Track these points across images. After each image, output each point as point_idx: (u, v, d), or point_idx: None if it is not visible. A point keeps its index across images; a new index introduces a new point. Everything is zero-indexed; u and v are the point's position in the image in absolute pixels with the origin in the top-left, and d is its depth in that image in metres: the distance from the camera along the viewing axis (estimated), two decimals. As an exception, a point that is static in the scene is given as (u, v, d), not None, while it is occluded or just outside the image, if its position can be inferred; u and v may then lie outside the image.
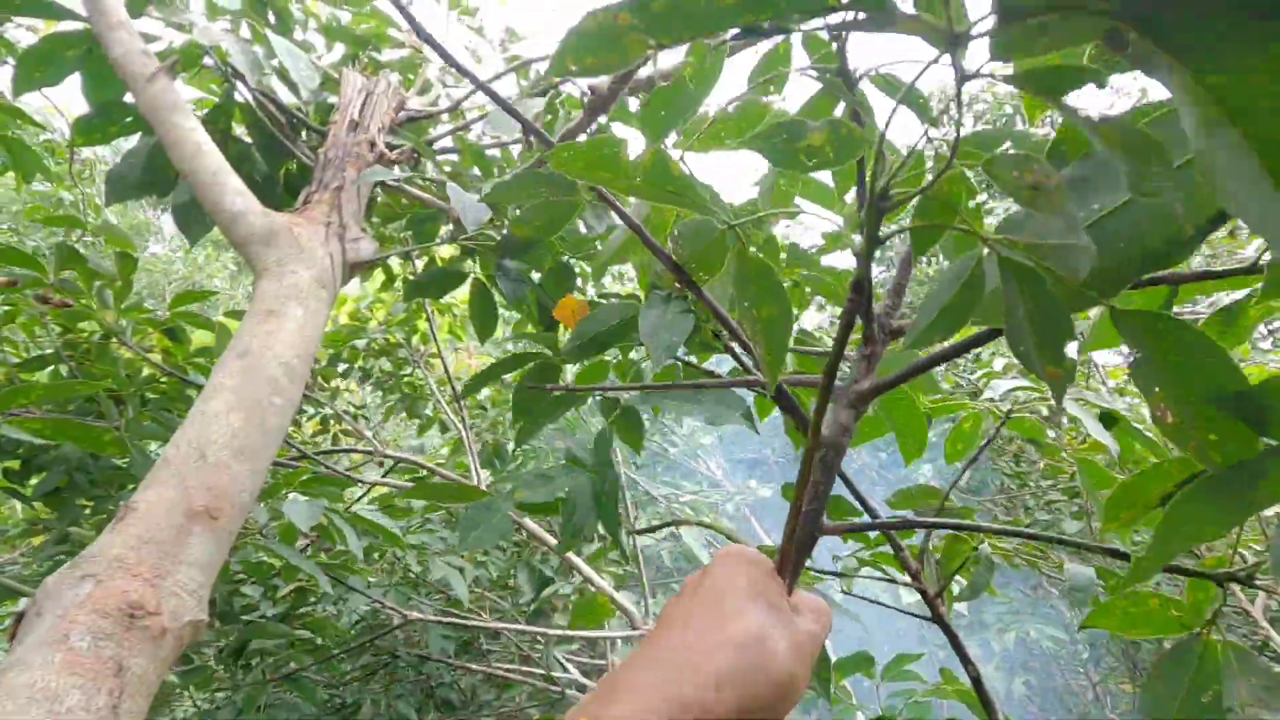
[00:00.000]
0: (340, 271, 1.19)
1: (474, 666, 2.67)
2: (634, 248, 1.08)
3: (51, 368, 1.86)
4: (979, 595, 1.13)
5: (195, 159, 1.17)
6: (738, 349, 1.08)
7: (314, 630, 2.44)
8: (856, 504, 1.13)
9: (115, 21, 1.36)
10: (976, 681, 1.06)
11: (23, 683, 0.63)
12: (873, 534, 1.29)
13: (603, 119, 1.31)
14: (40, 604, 0.70)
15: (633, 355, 1.32)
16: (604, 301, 1.30)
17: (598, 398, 1.18)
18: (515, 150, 1.93)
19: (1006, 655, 3.67)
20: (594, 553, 2.88)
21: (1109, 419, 1.03)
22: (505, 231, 1.33)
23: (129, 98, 1.44)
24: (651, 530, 2.40)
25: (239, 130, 1.72)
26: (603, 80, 1.11)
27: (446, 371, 3.00)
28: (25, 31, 1.94)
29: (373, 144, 1.40)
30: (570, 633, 2.74)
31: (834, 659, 1.45)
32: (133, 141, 1.67)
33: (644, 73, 1.26)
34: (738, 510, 3.52)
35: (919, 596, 1.11)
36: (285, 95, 1.73)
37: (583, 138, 1.34)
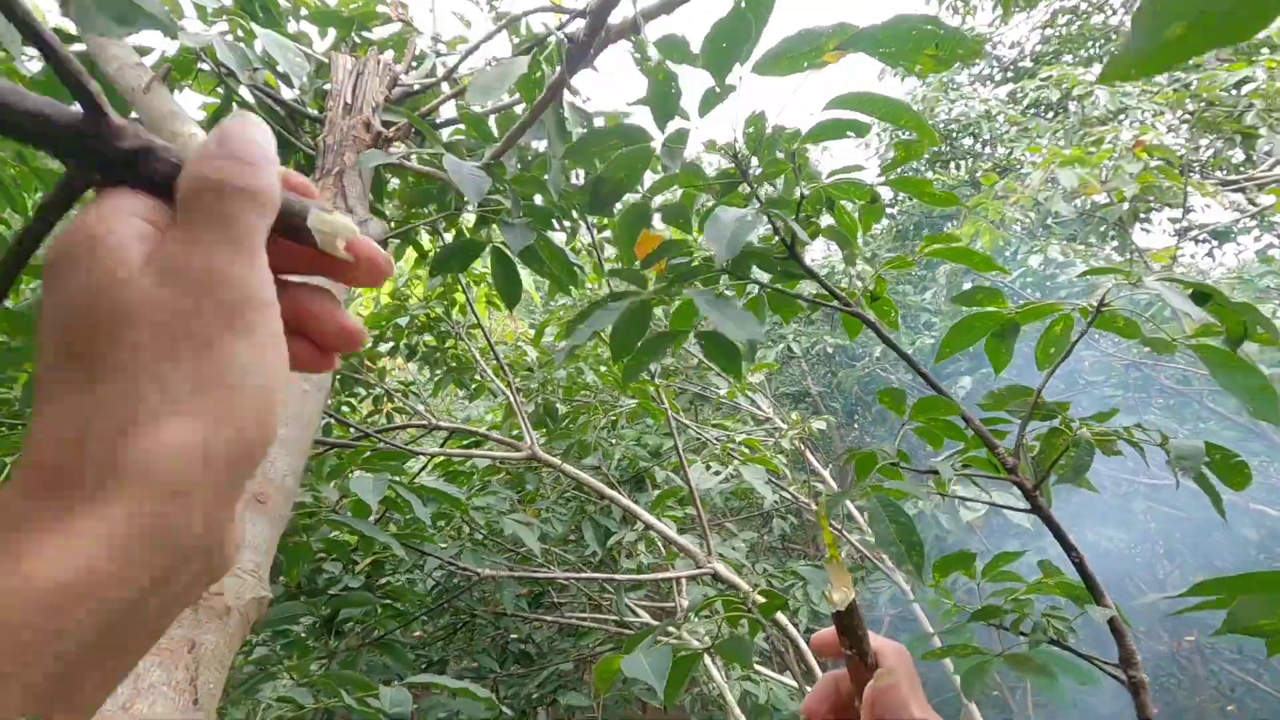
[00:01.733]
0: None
1: (547, 618, 2.79)
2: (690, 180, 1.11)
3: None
4: (1081, 476, 1.11)
5: (199, 164, 1.20)
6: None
7: (395, 597, 2.59)
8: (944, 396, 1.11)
9: (106, 39, 1.39)
10: (1080, 565, 1.05)
11: (109, 665, 0.69)
12: (969, 433, 1.25)
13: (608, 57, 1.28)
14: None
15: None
16: (681, 237, 1.31)
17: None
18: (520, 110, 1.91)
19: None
20: (654, 500, 2.94)
21: (1201, 296, 0.96)
22: (593, 190, 1.33)
23: (135, 114, 1.48)
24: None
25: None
26: (578, 29, 1.09)
27: (488, 339, 3.05)
28: (36, 62, 2.00)
29: (368, 125, 1.41)
30: (638, 577, 2.82)
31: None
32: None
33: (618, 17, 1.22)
34: (791, 445, 3.52)
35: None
36: (287, 91, 1.75)
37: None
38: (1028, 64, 7.99)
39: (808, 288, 1.28)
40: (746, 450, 2.63)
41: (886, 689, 0.44)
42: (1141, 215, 4.06)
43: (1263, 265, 4.79)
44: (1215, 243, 5.77)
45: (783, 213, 1.03)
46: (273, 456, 0.93)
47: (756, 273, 1.18)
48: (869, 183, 1.11)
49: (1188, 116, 4.94)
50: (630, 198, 1.37)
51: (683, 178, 1.15)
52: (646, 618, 3.34)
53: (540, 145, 1.80)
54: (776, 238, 1.09)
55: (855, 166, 1.10)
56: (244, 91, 1.68)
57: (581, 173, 1.94)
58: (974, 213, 3.80)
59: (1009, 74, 8.21)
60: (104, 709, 0.66)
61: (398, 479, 1.94)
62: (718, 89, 0.96)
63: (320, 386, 1.05)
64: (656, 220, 1.37)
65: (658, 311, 1.25)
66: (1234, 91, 4.54)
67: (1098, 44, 7.34)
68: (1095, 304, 0.99)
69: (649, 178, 1.46)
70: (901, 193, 1.31)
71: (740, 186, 1.08)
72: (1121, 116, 4.91)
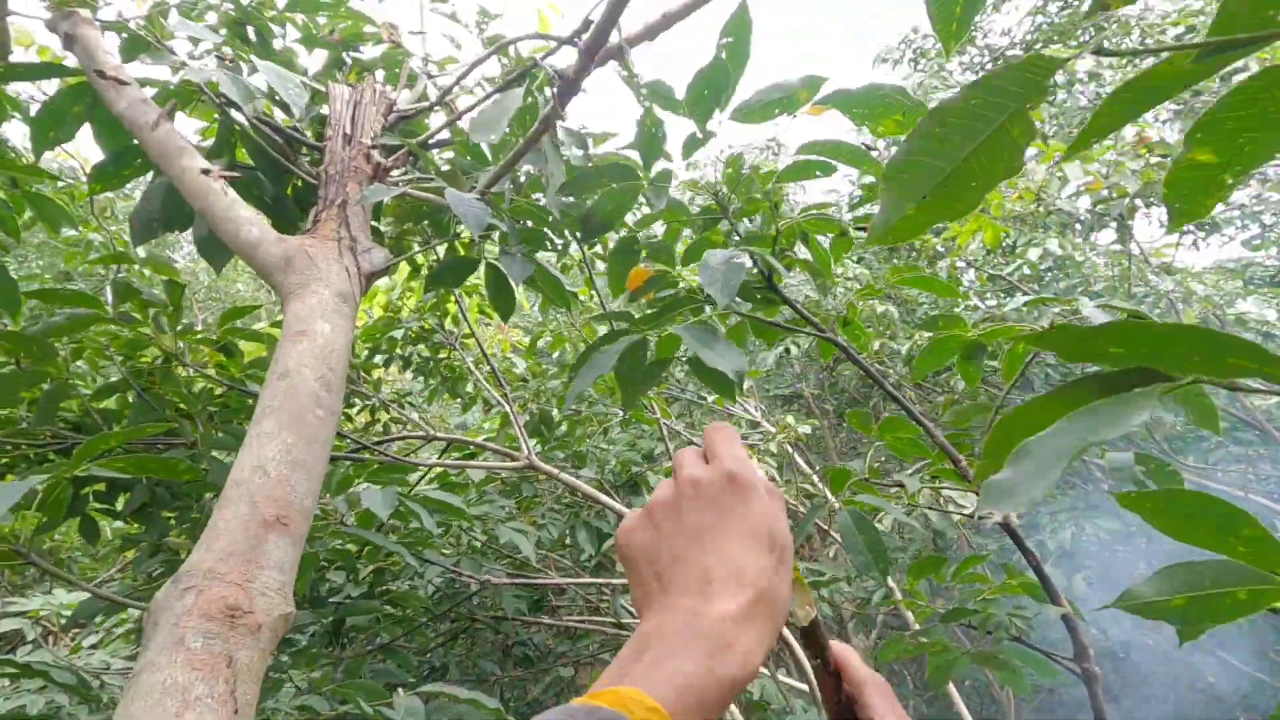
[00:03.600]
0: (357, 283, 1.28)
1: (546, 621, 2.85)
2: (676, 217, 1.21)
3: (118, 394, 2.03)
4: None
5: (208, 198, 1.26)
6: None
7: (398, 604, 2.64)
8: (912, 420, 1.19)
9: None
10: (1038, 569, 1.14)
11: (156, 681, 0.75)
12: (934, 449, 1.35)
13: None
14: (155, 615, 0.83)
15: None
16: (668, 270, 1.42)
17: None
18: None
19: (1064, 553, 3.73)
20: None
21: (1136, 318, 1.06)
22: (586, 219, 1.45)
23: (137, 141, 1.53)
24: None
25: (244, 155, 1.80)
26: (570, 65, 1.15)
27: (482, 350, 3.10)
28: (38, 89, 2.04)
29: (368, 155, 1.46)
30: (624, 579, 2.89)
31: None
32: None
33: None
34: (780, 448, 3.60)
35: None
36: (280, 115, 1.80)
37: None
38: (1018, 52, 8.11)
39: (787, 313, 1.38)
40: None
41: None
42: (1143, 210, 4.16)
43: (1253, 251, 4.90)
44: (1202, 234, 5.92)
45: (761, 250, 1.12)
46: (293, 480, 0.99)
47: (738, 301, 1.25)
48: (838, 218, 1.20)
49: (1179, 106, 5.06)
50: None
51: (667, 214, 1.23)
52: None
53: (531, 167, 1.86)
54: (755, 269, 1.17)
55: (826, 204, 1.20)
56: (240, 118, 1.73)
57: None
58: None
59: (999, 62, 8.33)
60: (153, 718, 0.72)
61: (403, 491, 2.00)
62: (699, 134, 1.05)
63: (333, 412, 1.11)
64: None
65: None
66: (1223, 82, 4.67)
67: (1088, 32, 7.45)
68: (1044, 327, 1.07)
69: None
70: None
71: (720, 223, 1.16)
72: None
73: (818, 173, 1.09)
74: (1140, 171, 3.72)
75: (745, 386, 4.34)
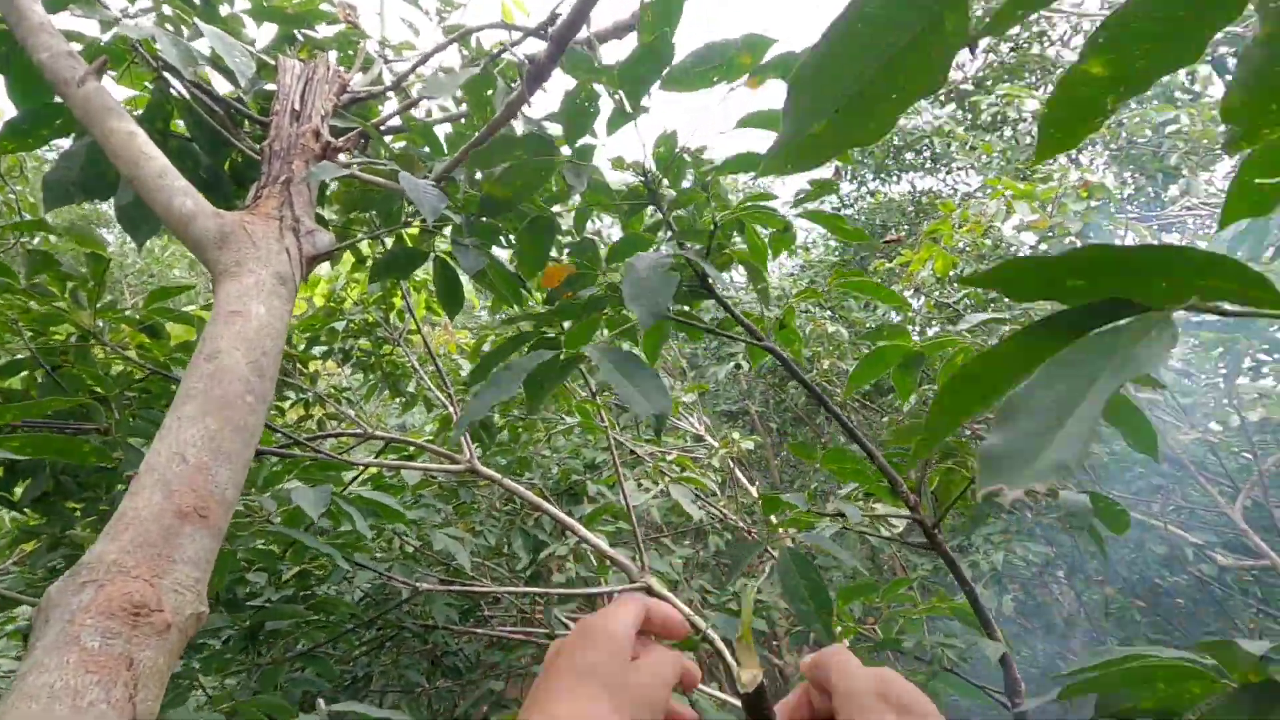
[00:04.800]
0: (298, 266, 1.21)
1: (477, 630, 2.77)
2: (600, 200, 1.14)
3: (25, 373, 1.87)
4: (981, 525, 1.21)
5: (138, 164, 1.17)
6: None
7: (322, 609, 2.51)
8: (855, 448, 1.17)
9: (36, 24, 1.33)
10: (972, 597, 1.13)
11: (43, 683, 0.67)
12: (871, 470, 1.33)
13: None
14: (47, 611, 0.75)
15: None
16: (589, 268, 1.35)
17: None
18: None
19: (995, 575, 3.86)
20: (589, 514, 2.97)
21: None
22: (483, 195, 1.33)
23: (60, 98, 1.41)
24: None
25: (179, 125, 1.69)
26: (541, 50, 1.12)
27: (428, 347, 3.01)
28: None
29: (317, 134, 1.39)
30: (571, 590, 2.83)
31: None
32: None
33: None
34: (722, 463, 3.61)
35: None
36: (222, 86, 1.70)
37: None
38: (969, 87, 8.43)
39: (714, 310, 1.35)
40: (677, 468, 2.68)
41: None
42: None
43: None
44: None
45: (695, 250, 1.07)
46: (215, 469, 0.92)
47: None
48: (781, 213, 1.17)
49: (1116, 151, 5.36)
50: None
51: (589, 195, 1.18)
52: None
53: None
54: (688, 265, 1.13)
55: (768, 195, 1.17)
56: (178, 84, 1.62)
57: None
58: (927, 237, 4.02)
59: (951, 95, 8.65)
60: (39, 729, 0.64)
61: (336, 491, 1.90)
62: (629, 109, 0.97)
63: (264, 399, 1.04)
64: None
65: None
66: (1157, 132, 4.97)
67: (1035, 74, 7.80)
68: (991, 343, 1.10)
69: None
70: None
71: (649, 209, 1.11)
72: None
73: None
74: (1082, 214, 3.92)
75: (690, 400, 4.35)
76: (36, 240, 1.84)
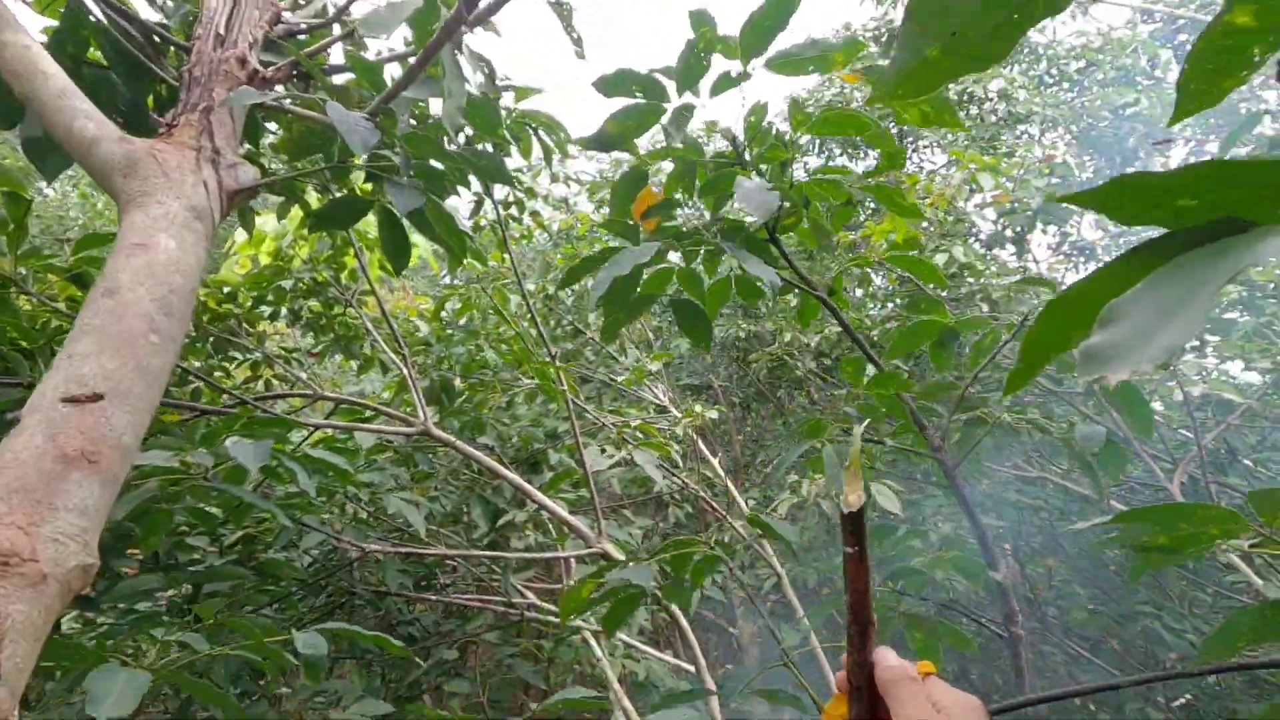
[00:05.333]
0: (217, 200, 1.12)
1: (431, 597, 2.72)
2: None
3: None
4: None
5: (34, 81, 1.06)
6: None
7: (268, 572, 2.43)
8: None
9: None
10: (980, 532, 1.29)
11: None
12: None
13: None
14: (-101, 560, 0.67)
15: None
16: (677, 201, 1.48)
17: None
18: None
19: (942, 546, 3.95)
20: (549, 480, 2.92)
21: None
22: (601, 128, 1.45)
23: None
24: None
25: (96, 56, 1.56)
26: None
27: (382, 308, 2.90)
28: None
29: (243, 60, 1.29)
30: (527, 555, 2.80)
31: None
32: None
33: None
34: (685, 433, 3.58)
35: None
36: (146, 11, 1.57)
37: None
38: None
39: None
40: (641, 435, 2.65)
41: (895, 680, 0.48)
42: (1043, 228, 4.41)
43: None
44: (1082, 259, 6.40)
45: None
46: (110, 411, 0.84)
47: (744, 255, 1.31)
48: (847, 187, 1.27)
49: (1078, 134, 5.40)
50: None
51: (684, 150, 1.32)
52: (533, 598, 3.32)
53: (436, 107, 1.72)
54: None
55: (841, 169, 1.27)
56: (93, 8, 1.49)
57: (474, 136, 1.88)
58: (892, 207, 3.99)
59: None
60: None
61: (280, 448, 1.82)
62: (735, 74, 1.14)
63: (171, 338, 0.96)
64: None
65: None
66: (1117, 114, 5.00)
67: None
68: (1020, 319, 1.15)
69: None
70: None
71: (736, 168, 1.29)
72: (1026, 123, 5.29)
73: (852, 132, 1.18)
74: (1044, 191, 3.93)
75: (655, 369, 4.31)
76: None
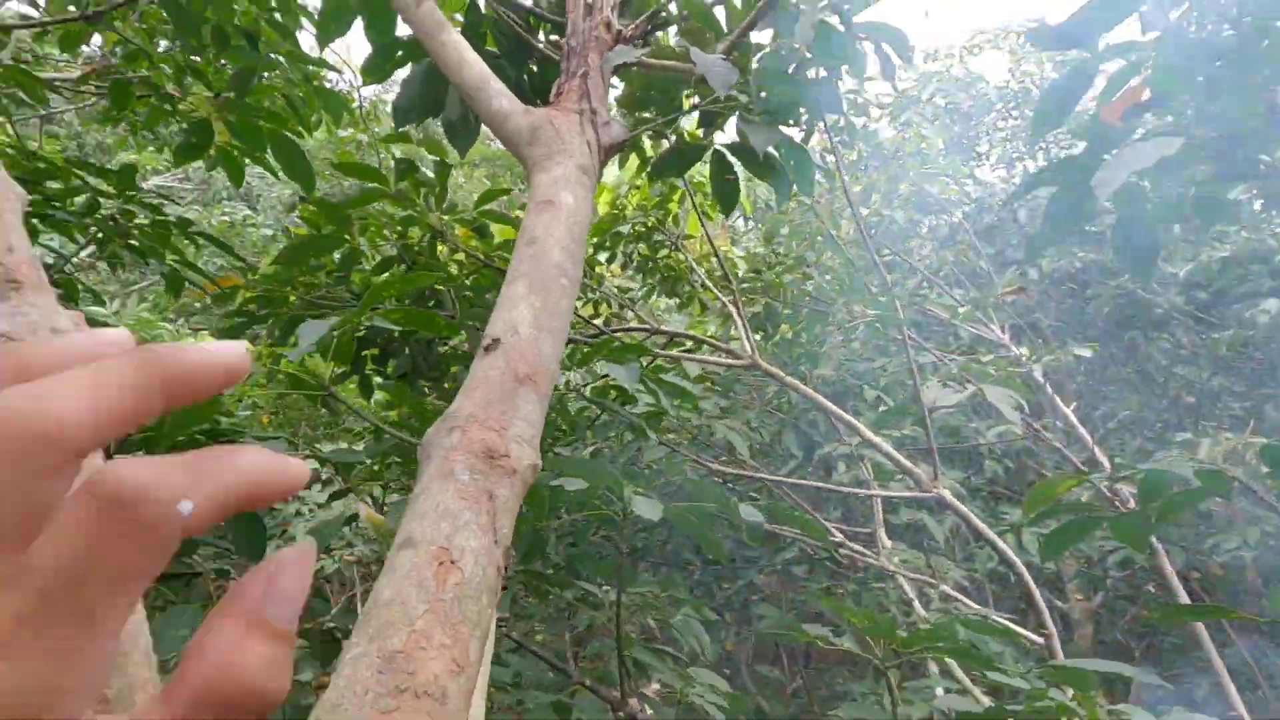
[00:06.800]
0: (597, 156, 1.26)
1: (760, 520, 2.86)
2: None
3: (391, 270, 2.31)
4: None
5: (462, 69, 1.30)
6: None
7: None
8: None
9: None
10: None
11: (430, 506, 0.83)
12: None
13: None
14: (428, 449, 0.91)
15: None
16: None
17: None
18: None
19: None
20: (880, 414, 2.86)
21: None
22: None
23: (399, 32, 1.64)
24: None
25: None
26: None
27: (711, 243, 3.04)
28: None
29: (609, 25, 1.41)
30: (856, 490, 2.78)
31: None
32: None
33: None
34: (1043, 375, 3.13)
35: None
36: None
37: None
38: None
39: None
40: (991, 372, 2.40)
41: None
42: None
43: None
44: None
45: None
46: (541, 342, 1.03)
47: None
48: None
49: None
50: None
51: None
52: (841, 538, 3.31)
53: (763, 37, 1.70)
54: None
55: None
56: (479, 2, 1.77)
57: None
58: None
59: None
60: (431, 536, 0.79)
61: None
62: None
63: (575, 281, 1.13)
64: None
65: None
66: None
67: None
68: None
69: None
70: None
71: None
72: None
73: None
74: None
75: (1001, 302, 3.82)
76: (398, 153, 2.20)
